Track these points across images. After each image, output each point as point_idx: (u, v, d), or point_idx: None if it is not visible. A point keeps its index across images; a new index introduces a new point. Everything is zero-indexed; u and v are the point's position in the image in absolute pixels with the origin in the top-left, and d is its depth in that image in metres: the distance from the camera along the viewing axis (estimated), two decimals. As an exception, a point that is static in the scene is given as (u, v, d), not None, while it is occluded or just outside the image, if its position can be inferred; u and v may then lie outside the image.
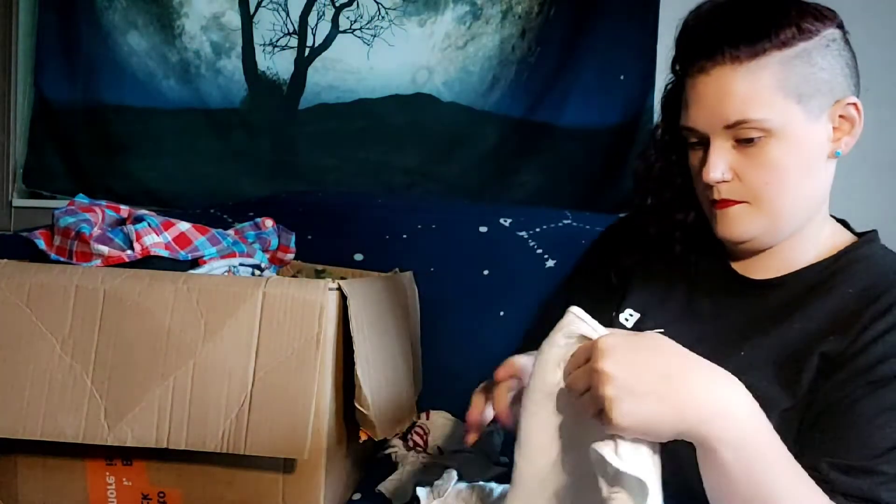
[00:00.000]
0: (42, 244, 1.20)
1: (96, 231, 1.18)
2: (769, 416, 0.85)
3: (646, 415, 0.69)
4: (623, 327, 1.01)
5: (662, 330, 0.96)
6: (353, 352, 1.09)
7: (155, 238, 1.18)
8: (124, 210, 1.30)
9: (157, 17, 2.36)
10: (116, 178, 2.36)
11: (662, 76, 2.33)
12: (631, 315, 1.03)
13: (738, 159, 0.90)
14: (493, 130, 2.36)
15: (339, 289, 1.08)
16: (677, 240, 1.04)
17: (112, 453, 1.09)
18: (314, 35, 2.37)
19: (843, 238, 0.98)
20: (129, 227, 1.19)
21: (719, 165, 0.90)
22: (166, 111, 2.37)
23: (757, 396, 0.85)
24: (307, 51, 2.37)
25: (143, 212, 1.26)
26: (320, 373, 1.03)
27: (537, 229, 1.81)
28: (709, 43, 0.89)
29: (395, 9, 2.36)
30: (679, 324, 0.99)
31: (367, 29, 2.36)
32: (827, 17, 0.90)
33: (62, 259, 1.18)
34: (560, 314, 1.10)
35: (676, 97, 0.97)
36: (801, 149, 0.89)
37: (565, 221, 1.85)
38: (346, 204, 1.93)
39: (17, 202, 2.39)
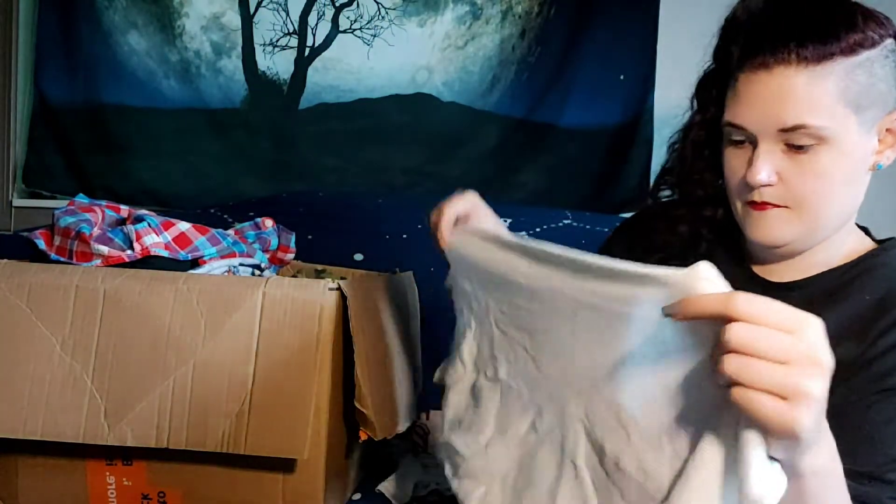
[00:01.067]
0: (42, 244, 1.20)
1: (96, 231, 1.18)
2: None
3: (815, 425, 0.59)
4: None
5: None
6: (353, 352, 1.09)
7: (155, 238, 1.18)
8: (124, 210, 1.30)
9: (157, 16, 2.36)
10: (116, 178, 2.36)
11: (662, 76, 2.33)
12: None
13: (786, 164, 0.86)
14: (494, 130, 2.36)
15: (339, 289, 1.08)
16: (704, 237, 1.01)
17: (112, 453, 1.09)
18: (314, 35, 2.37)
19: (864, 244, 0.96)
20: (129, 227, 1.19)
21: (766, 169, 0.86)
22: (166, 111, 2.37)
23: None
24: (307, 51, 2.38)
25: (143, 212, 1.26)
26: (320, 373, 1.03)
27: (537, 229, 1.81)
28: (775, 38, 0.84)
29: (395, 9, 2.36)
30: None
31: (367, 29, 2.36)
32: (885, 25, 0.87)
33: (62, 259, 1.17)
34: None
35: (716, 88, 0.93)
36: (849, 160, 0.86)
37: (565, 221, 1.85)
38: (346, 204, 1.94)
39: (17, 202, 2.39)
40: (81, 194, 1.33)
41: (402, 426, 1.31)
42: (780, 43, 0.84)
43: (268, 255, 1.43)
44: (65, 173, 2.37)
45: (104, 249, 1.15)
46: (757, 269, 0.99)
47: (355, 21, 2.37)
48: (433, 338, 1.59)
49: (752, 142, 0.88)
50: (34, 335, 1.05)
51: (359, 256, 1.74)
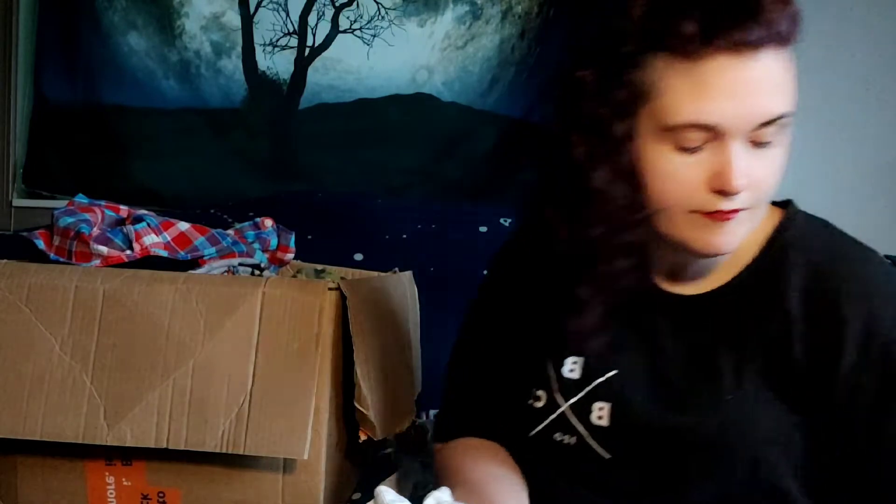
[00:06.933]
0: (41, 244, 1.20)
1: (95, 231, 1.18)
2: (787, 439, 0.80)
3: None
4: (569, 381, 0.87)
5: (615, 372, 0.85)
6: (352, 352, 1.09)
7: (154, 238, 1.18)
8: (124, 210, 1.30)
9: (157, 17, 2.36)
10: (116, 178, 2.36)
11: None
12: (574, 363, 0.88)
13: (752, 163, 0.74)
14: (493, 130, 2.36)
15: (339, 289, 1.08)
16: (628, 270, 0.82)
17: (112, 453, 1.09)
18: (314, 35, 2.37)
19: (767, 214, 0.84)
20: (129, 228, 1.19)
21: (745, 171, 0.74)
22: (166, 111, 2.37)
23: (761, 425, 0.80)
24: (307, 51, 2.38)
25: (143, 212, 1.26)
26: (320, 373, 1.03)
27: (537, 229, 1.80)
28: (756, 7, 0.71)
29: (395, 9, 2.36)
30: (629, 360, 0.86)
31: (367, 29, 2.36)
32: None
33: (61, 259, 1.17)
34: (483, 364, 0.95)
35: (627, 88, 0.76)
36: (789, 142, 0.78)
37: (565, 221, 1.85)
38: (346, 204, 1.94)
39: (17, 202, 2.39)
40: (81, 194, 1.32)
41: (402, 426, 1.31)
42: (760, 16, 0.70)
43: (267, 255, 1.43)
44: (65, 173, 2.37)
45: (103, 250, 1.15)
46: (666, 285, 0.86)
47: (355, 21, 2.37)
48: (432, 338, 1.59)
49: (715, 140, 0.74)
50: (33, 335, 1.05)
51: (359, 256, 1.74)
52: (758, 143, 0.74)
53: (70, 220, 1.20)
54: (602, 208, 0.79)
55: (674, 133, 0.74)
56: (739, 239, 0.79)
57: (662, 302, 0.86)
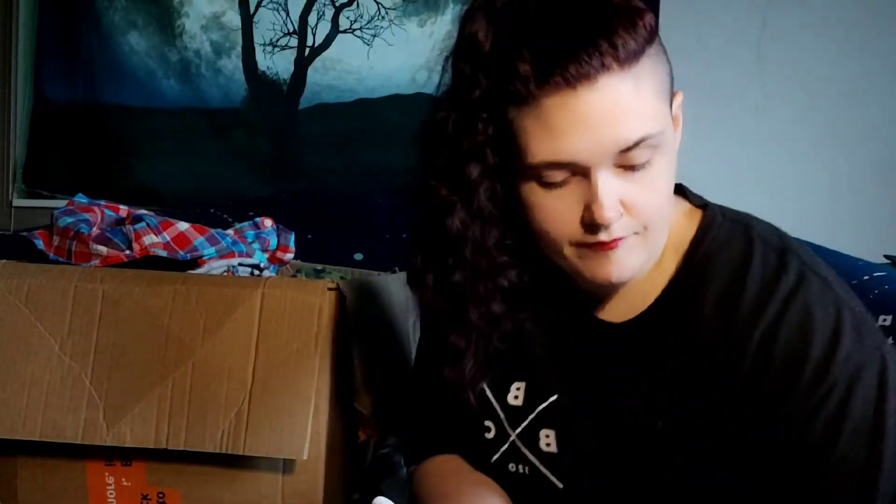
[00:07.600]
0: (41, 244, 1.20)
1: (95, 231, 1.18)
2: (730, 460, 0.76)
3: None
4: (514, 409, 0.85)
5: (556, 397, 0.83)
6: (352, 352, 1.09)
7: (154, 238, 1.18)
8: (123, 210, 1.30)
9: (157, 16, 2.36)
10: (116, 177, 2.36)
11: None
12: (518, 389, 0.86)
13: (625, 188, 0.72)
14: (493, 130, 2.36)
15: (338, 289, 1.08)
16: (507, 304, 0.81)
17: (111, 454, 1.09)
18: (314, 35, 2.37)
19: (685, 224, 0.82)
20: (128, 228, 1.19)
21: (613, 202, 0.71)
22: (166, 111, 2.37)
23: (697, 449, 0.76)
24: (307, 51, 2.38)
25: (142, 212, 1.26)
26: (319, 373, 1.03)
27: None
28: (584, 38, 0.68)
29: (395, 9, 2.36)
30: (568, 385, 0.84)
31: (367, 29, 2.36)
32: None
33: (61, 259, 1.18)
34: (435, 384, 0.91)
35: (489, 126, 0.76)
36: (672, 157, 0.76)
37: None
38: (346, 204, 1.94)
39: (17, 202, 2.39)
40: (80, 194, 1.33)
41: (401, 426, 1.31)
42: (590, 44, 0.68)
43: (267, 255, 1.43)
44: (65, 173, 2.38)
45: (103, 250, 1.15)
46: (595, 310, 0.84)
47: (355, 21, 2.37)
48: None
49: (580, 174, 0.72)
50: (33, 336, 1.06)
51: (359, 256, 1.74)
52: (629, 167, 0.72)
53: (70, 220, 1.20)
54: (462, 252, 0.79)
55: (535, 170, 0.73)
56: (634, 265, 0.76)
57: (590, 329, 0.84)
